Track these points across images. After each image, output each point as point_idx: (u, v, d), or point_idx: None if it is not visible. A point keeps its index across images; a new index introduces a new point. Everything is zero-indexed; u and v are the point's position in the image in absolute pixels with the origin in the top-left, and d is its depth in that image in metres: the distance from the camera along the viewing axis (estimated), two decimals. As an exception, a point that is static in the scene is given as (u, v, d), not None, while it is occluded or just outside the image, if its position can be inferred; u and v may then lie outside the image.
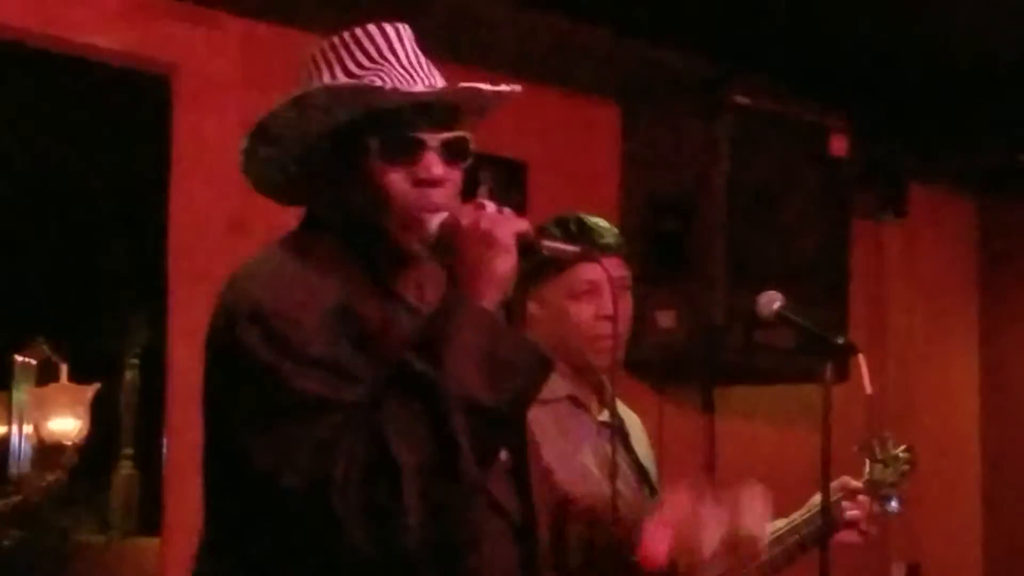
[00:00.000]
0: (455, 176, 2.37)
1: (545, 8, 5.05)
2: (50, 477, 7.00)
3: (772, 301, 3.38)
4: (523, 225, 2.29)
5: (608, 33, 5.22)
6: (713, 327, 5.10)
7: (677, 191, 5.22)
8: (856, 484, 3.47)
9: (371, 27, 2.51)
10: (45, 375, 7.31)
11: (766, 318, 3.41)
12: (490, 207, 2.31)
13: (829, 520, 3.28)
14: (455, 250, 2.26)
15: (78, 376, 7.24)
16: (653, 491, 3.31)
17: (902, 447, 3.63)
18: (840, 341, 3.34)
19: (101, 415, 7.15)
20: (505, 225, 2.26)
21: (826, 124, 5.44)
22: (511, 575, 2.34)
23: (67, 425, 7.09)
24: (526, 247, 2.28)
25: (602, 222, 3.23)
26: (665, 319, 5.13)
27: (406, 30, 2.55)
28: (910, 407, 6.25)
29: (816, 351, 3.30)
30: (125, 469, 7.25)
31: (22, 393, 7.24)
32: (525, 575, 2.37)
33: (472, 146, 2.41)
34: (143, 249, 4.72)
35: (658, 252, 5.13)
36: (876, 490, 3.54)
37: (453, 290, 2.22)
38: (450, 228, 2.29)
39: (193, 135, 4.46)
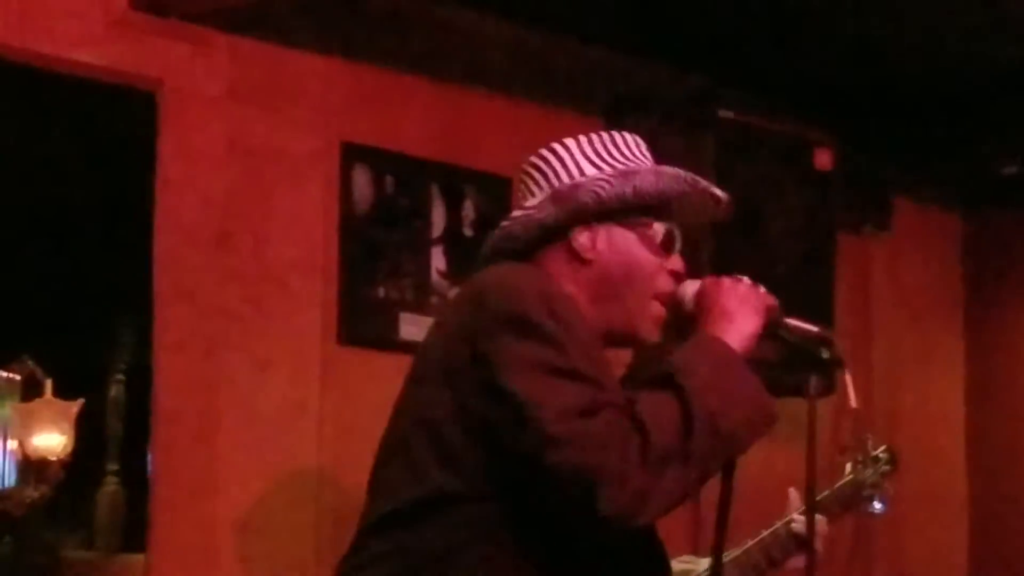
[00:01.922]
0: None
1: (530, 24, 5.06)
2: (35, 493, 6.98)
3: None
4: (773, 301, 2.64)
5: (593, 48, 5.23)
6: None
7: (662, 206, 5.22)
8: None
9: (614, 133, 2.79)
10: (30, 390, 7.30)
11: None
12: (747, 280, 2.66)
13: (813, 536, 3.28)
14: (710, 303, 2.60)
15: (63, 392, 7.23)
16: None
17: (882, 447, 3.64)
18: (825, 355, 3.34)
19: (86, 431, 7.13)
20: (760, 296, 2.63)
21: (810, 138, 5.44)
22: None
23: (52, 441, 7.07)
24: (772, 321, 2.64)
25: None
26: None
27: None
28: (895, 420, 6.25)
29: (801, 365, 3.31)
30: (110, 485, 7.25)
31: (7, 409, 7.22)
32: None
33: None
34: (128, 264, 4.71)
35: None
36: (858, 491, 3.55)
37: (703, 330, 2.55)
38: (710, 286, 2.63)
39: (179, 151, 4.47)
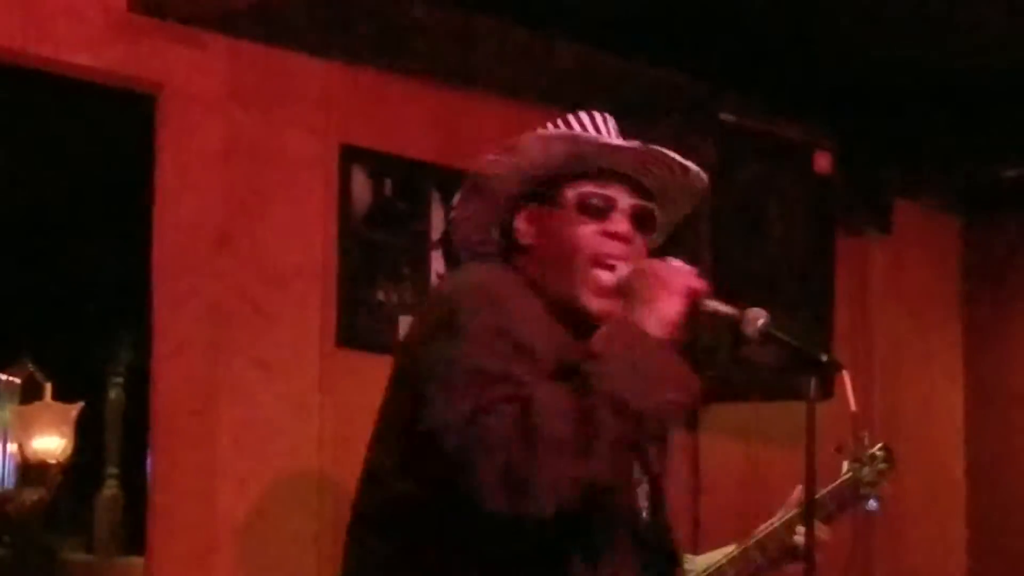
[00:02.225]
0: (639, 242, 2.71)
1: (531, 27, 5.05)
2: (34, 496, 7.00)
3: (757, 318, 3.38)
4: (697, 282, 2.60)
5: (593, 52, 5.23)
6: (697, 344, 5.10)
7: (662, 209, 5.22)
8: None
9: (571, 114, 2.83)
10: (29, 394, 7.31)
11: (750, 335, 3.42)
12: (676, 262, 2.63)
13: (812, 540, 3.27)
14: (634, 288, 2.57)
15: (62, 395, 7.24)
16: None
17: (879, 446, 3.64)
18: (824, 358, 3.34)
19: (85, 434, 7.15)
20: (680, 276, 2.59)
21: (811, 142, 5.44)
22: None
23: (51, 444, 7.09)
24: (693, 302, 2.59)
25: None
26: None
27: (610, 118, 2.85)
28: (895, 423, 6.25)
29: (800, 368, 3.31)
30: (109, 488, 7.25)
31: (6, 412, 7.23)
32: None
33: (659, 223, 2.79)
34: (127, 268, 4.71)
35: (643, 270, 5.13)
36: (855, 490, 3.54)
37: (620, 316, 2.53)
38: (634, 271, 2.60)
39: (178, 154, 4.46)
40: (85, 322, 7.08)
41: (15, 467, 7.17)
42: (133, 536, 6.37)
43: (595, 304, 2.64)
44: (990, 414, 6.74)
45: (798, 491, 3.39)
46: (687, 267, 2.64)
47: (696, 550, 3.55)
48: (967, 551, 6.71)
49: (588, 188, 2.69)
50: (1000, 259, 6.75)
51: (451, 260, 2.86)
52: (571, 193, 2.68)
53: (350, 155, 4.76)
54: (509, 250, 2.74)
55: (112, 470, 7.27)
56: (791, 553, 3.38)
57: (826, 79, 5.37)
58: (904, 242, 6.51)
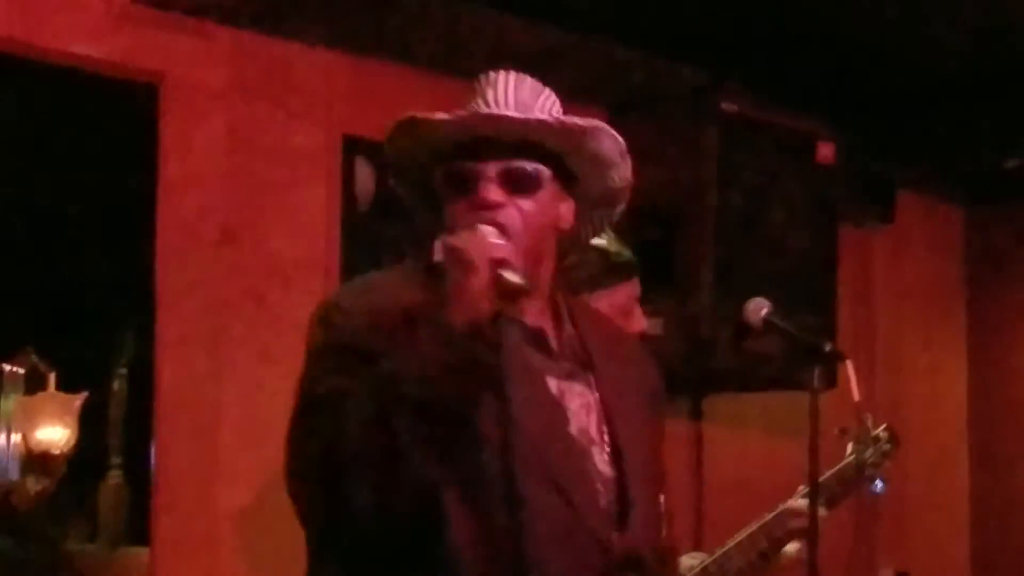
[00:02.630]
0: (521, 204, 2.50)
1: (532, 17, 5.05)
2: (38, 486, 6.99)
3: (760, 308, 3.40)
4: (498, 251, 2.37)
5: (596, 41, 5.22)
6: (700, 335, 5.10)
7: (664, 199, 5.22)
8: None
9: (489, 73, 2.70)
10: (33, 384, 7.30)
11: (754, 325, 3.42)
12: (481, 230, 2.41)
13: (816, 528, 3.27)
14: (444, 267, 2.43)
15: (66, 385, 7.23)
16: None
17: (882, 427, 3.64)
18: (828, 348, 3.35)
19: (89, 425, 7.14)
20: (480, 248, 2.37)
21: (813, 132, 5.44)
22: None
23: (55, 434, 7.07)
24: (495, 273, 2.37)
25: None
26: (652, 327, 5.12)
27: (515, 77, 2.72)
28: (898, 413, 6.25)
29: (804, 358, 3.31)
30: (113, 479, 7.24)
31: (10, 402, 7.23)
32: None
33: (542, 178, 2.54)
34: (131, 259, 4.70)
35: (645, 260, 5.10)
36: (859, 472, 3.54)
37: (427, 306, 2.40)
38: (441, 247, 2.47)
39: (181, 145, 4.46)
40: (89, 313, 7.07)
41: (19, 458, 7.16)
42: (137, 526, 6.35)
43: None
44: (994, 403, 6.75)
45: (801, 489, 3.41)
46: (488, 234, 2.41)
47: (700, 542, 3.56)
48: (970, 540, 6.71)
49: (453, 165, 2.56)
50: (1002, 249, 6.75)
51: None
52: (439, 174, 2.59)
53: (353, 146, 4.76)
54: None
55: (116, 461, 7.25)
56: (793, 536, 3.39)
57: (830, 70, 5.37)
58: (907, 232, 6.51)
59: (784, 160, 5.37)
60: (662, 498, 2.70)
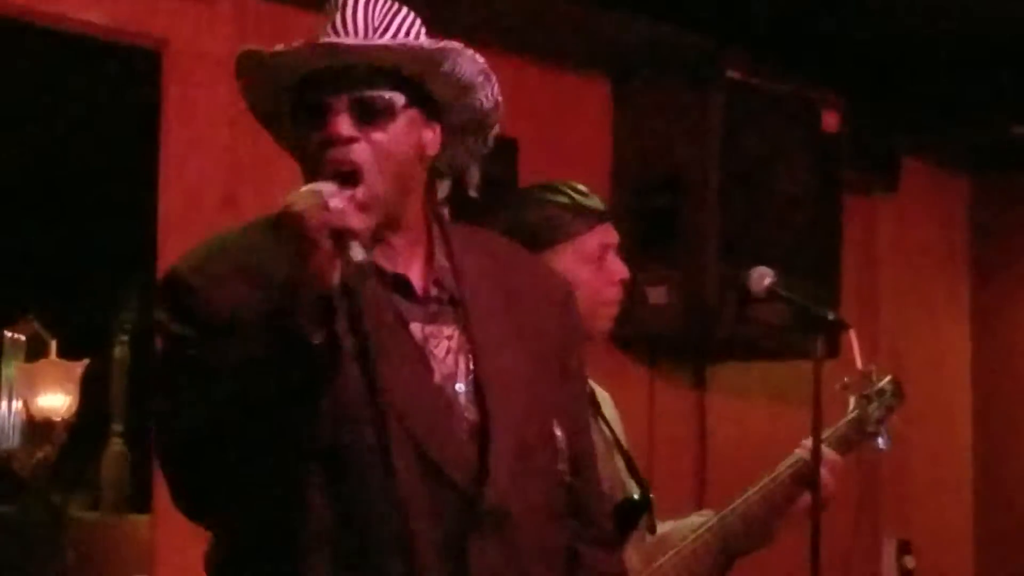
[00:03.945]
0: (375, 137, 2.34)
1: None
2: (40, 453, 7.00)
3: (763, 277, 3.38)
4: (339, 219, 2.21)
5: (598, 7, 5.20)
6: (704, 303, 5.10)
7: (668, 167, 5.21)
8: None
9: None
10: (34, 351, 7.31)
11: (757, 294, 3.41)
12: (327, 190, 2.26)
13: (817, 497, 3.24)
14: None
15: (67, 352, 7.24)
16: (626, 458, 3.30)
17: (887, 379, 3.53)
18: (831, 317, 3.34)
19: (90, 391, 7.14)
20: (320, 217, 2.21)
21: (818, 99, 5.43)
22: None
23: (56, 401, 7.08)
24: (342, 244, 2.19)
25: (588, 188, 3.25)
26: (656, 295, 5.12)
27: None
28: (902, 381, 6.25)
29: (807, 327, 3.30)
30: (115, 446, 7.25)
31: (11, 369, 7.23)
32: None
33: (396, 107, 2.37)
34: (133, 225, 4.70)
35: (649, 228, 5.11)
36: (863, 428, 3.44)
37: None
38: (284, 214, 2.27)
39: (184, 110, 4.44)
40: (90, 280, 7.07)
41: (20, 425, 7.17)
42: (139, 493, 6.37)
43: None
44: (998, 372, 6.74)
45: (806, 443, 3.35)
46: (330, 195, 2.25)
47: (700, 509, 3.53)
48: (974, 511, 6.71)
49: (302, 98, 2.41)
50: (1008, 217, 6.73)
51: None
52: (288, 108, 2.47)
53: (356, 112, 4.73)
54: None
55: (117, 427, 7.27)
56: (796, 487, 3.32)
57: (833, 36, 5.34)
58: (911, 200, 6.49)
59: (789, 128, 5.35)
60: (559, 433, 2.44)
